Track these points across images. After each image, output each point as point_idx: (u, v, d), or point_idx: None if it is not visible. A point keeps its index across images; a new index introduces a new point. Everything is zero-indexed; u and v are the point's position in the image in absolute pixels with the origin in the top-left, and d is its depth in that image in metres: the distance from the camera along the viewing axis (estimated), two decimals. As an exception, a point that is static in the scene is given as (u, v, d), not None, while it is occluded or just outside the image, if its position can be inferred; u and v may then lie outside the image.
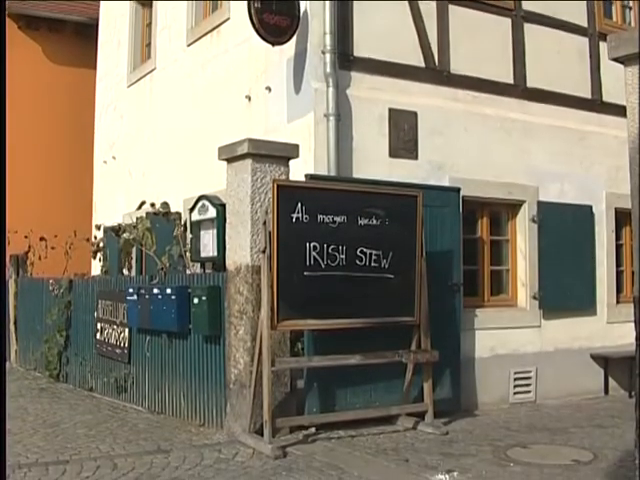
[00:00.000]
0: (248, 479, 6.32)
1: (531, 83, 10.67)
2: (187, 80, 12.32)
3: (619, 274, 11.44)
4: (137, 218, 10.31)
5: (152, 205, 10.40)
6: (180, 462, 6.85)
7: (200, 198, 9.28)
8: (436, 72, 9.92)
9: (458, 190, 9.42)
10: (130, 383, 9.84)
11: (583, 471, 6.64)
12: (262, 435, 7.29)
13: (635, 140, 4.50)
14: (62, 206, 16.70)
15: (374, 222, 8.05)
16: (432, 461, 6.93)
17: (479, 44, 10.17)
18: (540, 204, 10.46)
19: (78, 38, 18.04)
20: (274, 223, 7.35)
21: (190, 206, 9.64)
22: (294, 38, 9.35)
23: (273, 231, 7.34)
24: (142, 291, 9.24)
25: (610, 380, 10.88)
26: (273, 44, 9.34)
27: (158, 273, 9.46)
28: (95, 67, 16.35)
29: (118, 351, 10.10)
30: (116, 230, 11.20)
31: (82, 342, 11.24)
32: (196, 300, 8.33)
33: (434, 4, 9.91)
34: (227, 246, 8.16)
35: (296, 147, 8.10)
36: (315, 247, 7.63)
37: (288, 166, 8.04)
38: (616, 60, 4.54)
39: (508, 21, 10.51)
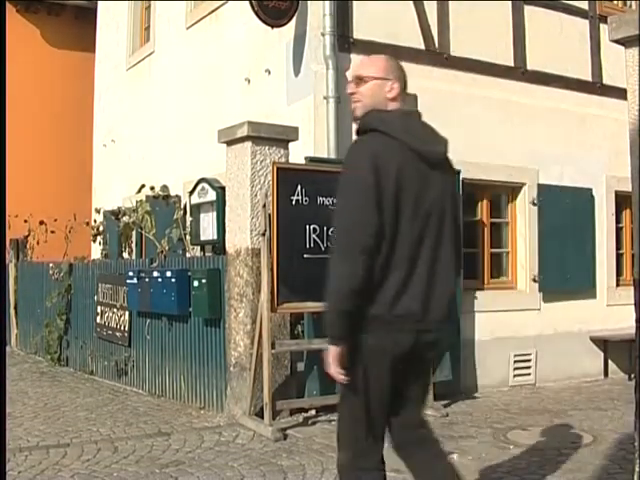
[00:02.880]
0: (248, 461, 6.33)
1: (531, 65, 10.63)
2: (186, 63, 12.29)
3: (619, 257, 11.46)
4: (137, 201, 10.29)
5: (152, 188, 10.39)
6: (181, 445, 6.87)
7: (200, 181, 9.26)
8: (436, 54, 9.88)
9: (458, 172, 9.38)
10: (130, 366, 9.86)
11: (582, 453, 6.65)
12: (262, 418, 7.31)
13: (635, 122, 4.47)
14: (62, 190, 16.70)
15: (374, 204, 8.03)
16: (432, 443, 6.94)
17: (479, 26, 10.12)
18: (540, 187, 10.45)
19: (77, 21, 18.00)
20: (274, 206, 7.34)
21: (190, 189, 9.63)
22: (293, 20, 9.31)
23: (273, 214, 7.34)
24: (142, 274, 9.24)
25: (610, 363, 10.90)
26: (272, 26, 9.30)
27: (158, 256, 9.46)
28: (94, 50, 16.32)
29: (118, 334, 10.11)
30: (116, 214, 11.19)
31: (82, 326, 11.26)
32: (196, 283, 8.33)
33: (433, -14, 9.88)
34: (227, 229, 8.16)
35: (296, 130, 8.08)
36: (315, 229, 7.62)
37: (288, 149, 8.02)
38: (616, 42, 4.51)
39: (508, 3, 10.46)
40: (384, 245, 3.53)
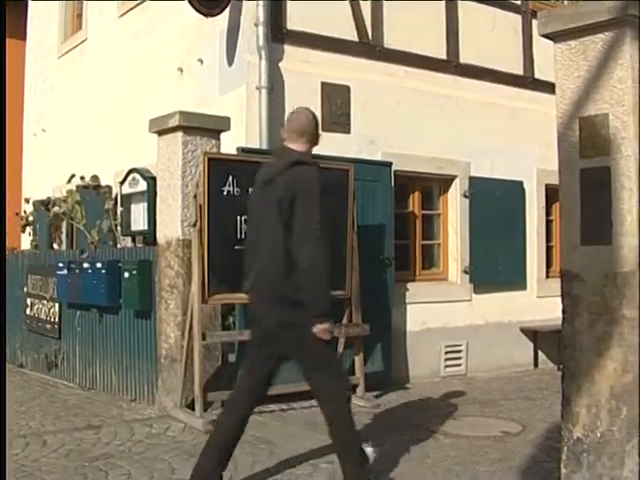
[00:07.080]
0: (179, 454, 6.29)
1: (464, 59, 10.71)
2: (118, 52, 12.13)
3: (549, 249, 11.63)
4: (67, 191, 10.16)
5: (82, 178, 10.27)
6: (111, 438, 6.79)
7: (131, 171, 9.15)
8: (369, 47, 9.90)
9: (390, 164, 9.45)
10: (61, 359, 9.73)
11: (512, 442, 6.76)
12: (193, 409, 7.28)
13: (563, 117, 4.55)
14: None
15: (307, 196, 8.01)
16: (363, 434, 6.97)
17: (413, 19, 10.16)
18: (472, 179, 10.55)
19: (8, 8, 17.64)
20: (205, 196, 7.29)
21: (121, 179, 9.52)
22: (227, 10, 9.25)
23: (204, 205, 7.29)
24: (72, 265, 9.12)
25: (539, 353, 11.07)
26: (206, 15, 9.23)
27: (88, 247, 9.35)
28: (25, 38, 16.02)
29: (48, 326, 9.98)
30: (46, 204, 11.03)
31: (12, 318, 11.06)
32: (127, 274, 8.25)
33: (368, -22, 9.89)
34: (158, 220, 8.09)
35: (228, 120, 8.03)
36: (246, 220, 7.57)
37: (219, 139, 7.98)
38: (546, 36, 4.56)
39: (442, -3, 10.55)
40: None
